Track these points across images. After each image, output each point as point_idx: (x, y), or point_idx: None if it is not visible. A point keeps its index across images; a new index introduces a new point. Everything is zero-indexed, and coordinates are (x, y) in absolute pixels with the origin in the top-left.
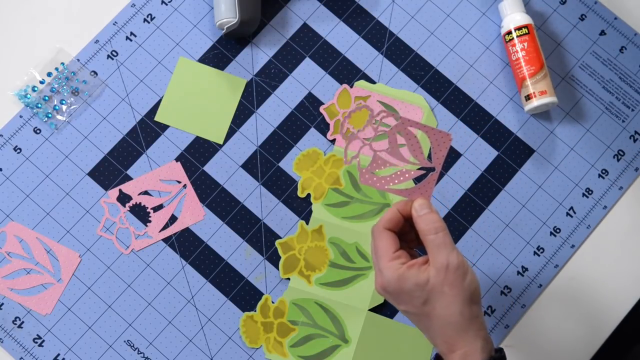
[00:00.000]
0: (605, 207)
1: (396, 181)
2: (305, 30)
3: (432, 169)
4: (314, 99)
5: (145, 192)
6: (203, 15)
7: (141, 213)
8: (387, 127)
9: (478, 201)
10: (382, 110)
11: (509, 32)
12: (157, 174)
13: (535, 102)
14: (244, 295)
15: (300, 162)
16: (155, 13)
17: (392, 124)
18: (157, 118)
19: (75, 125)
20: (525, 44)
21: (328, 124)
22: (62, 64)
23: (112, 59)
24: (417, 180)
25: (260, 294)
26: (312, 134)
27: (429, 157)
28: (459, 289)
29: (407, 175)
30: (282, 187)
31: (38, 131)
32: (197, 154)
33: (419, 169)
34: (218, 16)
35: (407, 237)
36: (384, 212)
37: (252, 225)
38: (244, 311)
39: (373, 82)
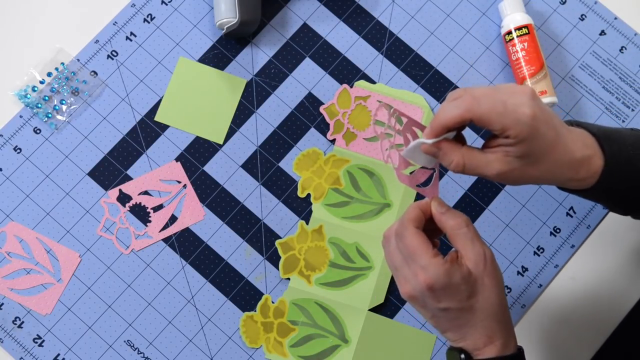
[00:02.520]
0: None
1: (420, 179)
2: (305, 30)
3: (433, 169)
4: (314, 99)
5: (145, 192)
6: (203, 15)
7: (141, 213)
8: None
9: (478, 201)
10: (381, 106)
11: (509, 32)
12: (157, 174)
13: None
14: (244, 295)
15: (300, 162)
16: (155, 13)
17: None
18: (157, 118)
19: (75, 125)
20: (526, 44)
21: (328, 124)
22: (62, 64)
23: (112, 59)
24: (426, 182)
25: (260, 294)
26: (312, 134)
27: None
28: (496, 280)
29: (424, 174)
30: (282, 187)
31: (38, 131)
32: (197, 154)
33: (423, 168)
34: (218, 16)
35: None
36: (384, 212)
37: (252, 225)
38: (244, 311)
39: (373, 82)
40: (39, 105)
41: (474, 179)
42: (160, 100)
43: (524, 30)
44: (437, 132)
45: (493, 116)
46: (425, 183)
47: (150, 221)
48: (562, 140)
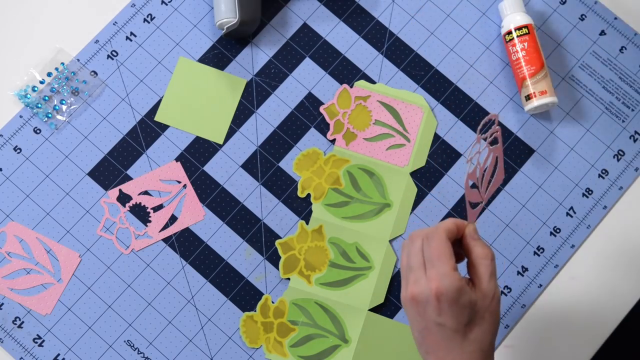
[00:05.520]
0: (605, 207)
1: (473, 199)
2: (305, 30)
3: (481, 202)
4: (314, 99)
5: (145, 192)
6: (203, 15)
7: (141, 213)
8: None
9: None
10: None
11: (509, 32)
12: (157, 174)
13: (535, 102)
14: (244, 295)
15: (300, 162)
16: (155, 13)
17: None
18: (157, 118)
19: (75, 125)
20: (526, 44)
21: (328, 124)
22: (62, 64)
23: (112, 59)
24: (475, 205)
25: (260, 294)
26: (312, 134)
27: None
28: (495, 320)
29: (477, 197)
30: (282, 187)
31: (38, 131)
32: (197, 154)
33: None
34: (218, 16)
35: None
36: (384, 212)
37: (252, 225)
38: (244, 311)
39: (373, 82)
40: (39, 105)
41: None
42: (160, 100)
43: (524, 30)
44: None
45: None
46: (472, 206)
47: (150, 221)
48: None
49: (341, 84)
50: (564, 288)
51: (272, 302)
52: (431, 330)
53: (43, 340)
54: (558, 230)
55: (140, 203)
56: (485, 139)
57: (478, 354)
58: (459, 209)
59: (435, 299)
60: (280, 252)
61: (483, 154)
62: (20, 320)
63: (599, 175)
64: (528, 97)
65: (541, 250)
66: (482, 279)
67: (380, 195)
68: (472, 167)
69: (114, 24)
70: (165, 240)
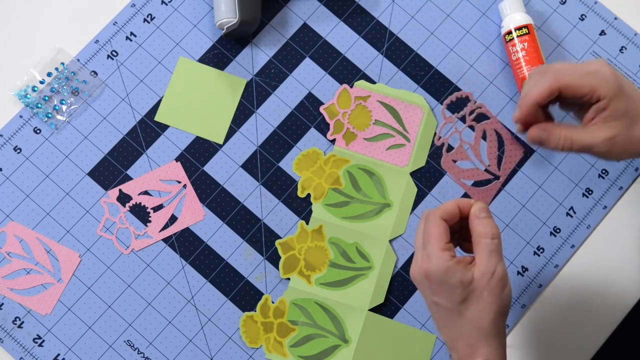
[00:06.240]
0: (605, 207)
1: (469, 177)
2: (305, 30)
3: (498, 177)
4: (314, 99)
5: (145, 192)
6: (203, 15)
7: (141, 213)
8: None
9: None
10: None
11: (509, 32)
12: (157, 174)
13: None
14: (244, 295)
15: (300, 162)
16: (155, 13)
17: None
18: (157, 118)
19: (75, 125)
20: (526, 44)
21: (328, 124)
22: (62, 64)
23: (112, 59)
24: (482, 183)
25: (260, 294)
26: (312, 134)
27: (499, 163)
28: (497, 298)
29: (478, 175)
30: (282, 187)
31: (38, 131)
32: (197, 154)
33: (486, 171)
34: (218, 16)
35: (453, 235)
36: (384, 212)
37: (252, 225)
38: (244, 311)
39: (373, 82)
40: (39, 105)
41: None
42: (160, 100)
43: (524, 30)
44: (529, 109)
45: (580, 80)
46: (477, 184)
47: (150, 221)
48: None
49: (341, 84)
50: (564, 288)
51: (272, 302)
52: (431, 308)
53: (43, 340)
54: (558, 230)
55: (140, 203)
56: (463, 118)
57: (475, 332)
58: None
59: (426, 279)
60: (280, 252)
61: (466, 132)
62: (20, 320)
63: (599, 175)
64: None
65: (541, 250)
66: (481, 257)
67: (380, 195)
68: (455, 147)
69: (114, 24)
70: (165, 240)
